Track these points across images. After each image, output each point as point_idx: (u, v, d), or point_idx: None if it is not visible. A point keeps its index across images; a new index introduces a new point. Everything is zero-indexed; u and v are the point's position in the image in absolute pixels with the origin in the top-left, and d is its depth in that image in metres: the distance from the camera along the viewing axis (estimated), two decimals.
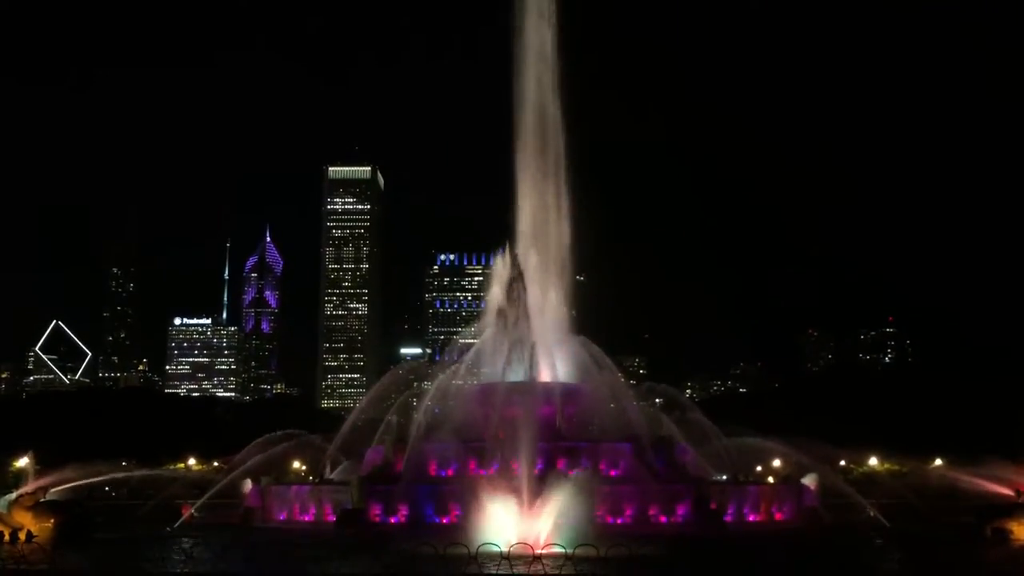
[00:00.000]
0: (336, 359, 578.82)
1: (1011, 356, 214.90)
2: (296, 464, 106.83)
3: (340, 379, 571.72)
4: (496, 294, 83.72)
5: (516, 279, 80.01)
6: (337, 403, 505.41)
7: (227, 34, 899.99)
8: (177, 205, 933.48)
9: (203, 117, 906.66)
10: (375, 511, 65.10)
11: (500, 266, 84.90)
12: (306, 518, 69.66)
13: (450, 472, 69.84)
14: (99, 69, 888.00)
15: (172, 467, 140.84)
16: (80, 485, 67.87)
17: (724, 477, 76.22)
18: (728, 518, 66.02)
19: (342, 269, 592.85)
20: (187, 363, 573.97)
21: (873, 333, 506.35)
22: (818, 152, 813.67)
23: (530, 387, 74.45)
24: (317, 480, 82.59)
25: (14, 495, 59.54)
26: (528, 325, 79.20)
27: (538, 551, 41.14)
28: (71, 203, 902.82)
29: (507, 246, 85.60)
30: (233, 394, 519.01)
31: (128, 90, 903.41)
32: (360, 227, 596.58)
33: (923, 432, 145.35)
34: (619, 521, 62.06)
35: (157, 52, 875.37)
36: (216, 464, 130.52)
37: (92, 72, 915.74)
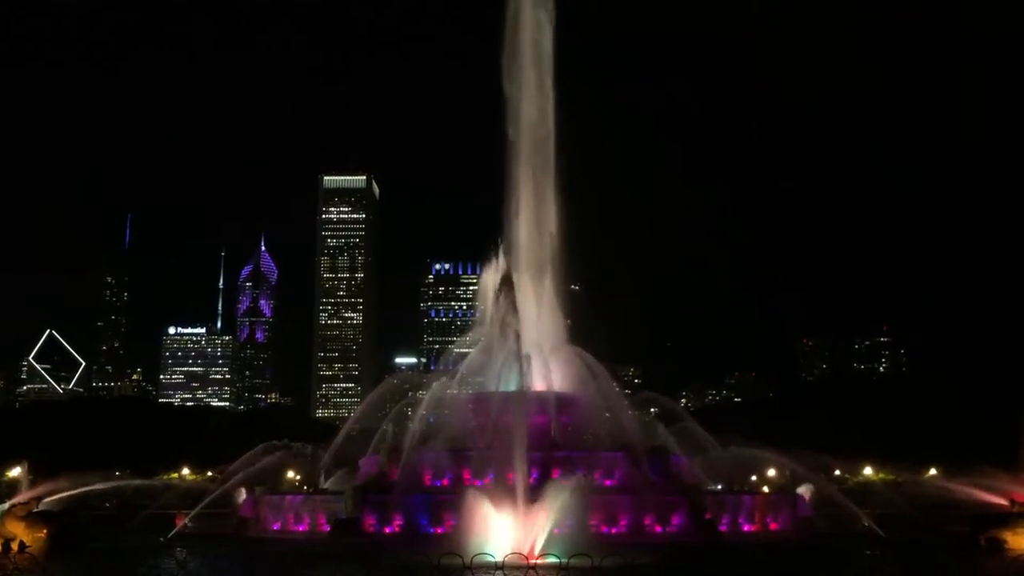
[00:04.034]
0: (331, 368, 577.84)
1: (1005, 365, 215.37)
2: (290, 474, 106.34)
3: (335, 388, 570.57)
4: (489, 303, 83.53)
5: (509, 288, 79.83)
6: (331, 413, 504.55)
7: (221, 43, 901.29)
8: (172, 214, 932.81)
9: (198, 125, 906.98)
10: (369, 521, 64.81)
11: (493, 275, 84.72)
12: (300, 528, 69.31)
13: (445, 482, 69.63)
14: (95, 77, 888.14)
15: (166, 477, 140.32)
16: (73, 495, 67.50)
17: (719, 487, 76.25)
18: (723, 528, 65.84)
19: (337, 278, 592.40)
20: (181, 372, 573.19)
21: (868, 342, 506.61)
22: (813, 161, 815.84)
23: (525, 396, 74.28)
24: (311, 490, 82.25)
25: (7, 505, 59.18)
26: (522, 335, 79.02)
27: (533, 561, 41.14)
28: (65, 212, 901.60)
29: (500, 255, 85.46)
30: (227, 403, 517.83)
31: (123, 97, 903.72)
32: (355, 236, 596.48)
33: (917, 441, 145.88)
34: (614, 531, 61.89)
35: (154, 60, 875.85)
36: (210, 474, 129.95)
37: (87, 80, 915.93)
